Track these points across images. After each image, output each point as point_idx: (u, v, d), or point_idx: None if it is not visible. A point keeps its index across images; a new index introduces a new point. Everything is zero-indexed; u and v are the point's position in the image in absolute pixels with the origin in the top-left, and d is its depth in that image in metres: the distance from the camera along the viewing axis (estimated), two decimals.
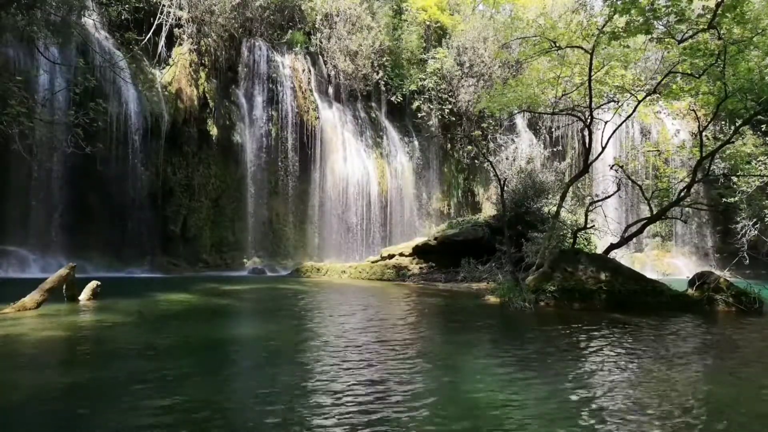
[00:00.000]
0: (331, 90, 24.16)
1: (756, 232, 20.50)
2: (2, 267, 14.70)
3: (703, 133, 12.73)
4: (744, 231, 20.74)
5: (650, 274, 12.18)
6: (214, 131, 20.14)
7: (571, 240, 13.28)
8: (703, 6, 10.53)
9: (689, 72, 11.61)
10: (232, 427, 3.38)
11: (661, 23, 11.07)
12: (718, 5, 9.77)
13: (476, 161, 26.08)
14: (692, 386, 4.54)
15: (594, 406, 3.92)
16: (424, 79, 25.69)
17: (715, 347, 6.58)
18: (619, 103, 13.79)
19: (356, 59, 23.68)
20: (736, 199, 19.31)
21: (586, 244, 15.28)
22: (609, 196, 14.20)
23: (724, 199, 19.39)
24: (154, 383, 4.26)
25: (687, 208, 15.17)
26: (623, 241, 12.48)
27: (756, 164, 17.55)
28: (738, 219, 21.14)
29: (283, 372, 4.73)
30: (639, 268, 16.47)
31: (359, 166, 23.52)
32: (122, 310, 8.16)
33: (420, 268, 16.88)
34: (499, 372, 4.90)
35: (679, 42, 10.94)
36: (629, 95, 13.26)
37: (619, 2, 10.23)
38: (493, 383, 4.48)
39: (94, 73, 15.88)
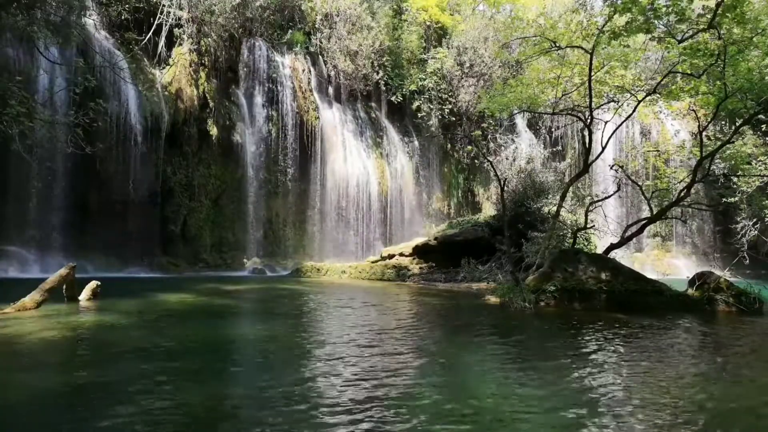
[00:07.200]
0: (331, 90, 24.15)
1: (756, 232, 20.51)
2: (2, 267, 14.69)
3: (703, 133, 12.73)
4: (744, 231, 20.75)
5: (650, 274, 12.18)
6: (214, 131, 20.15)
7: (571, 240, 13.28)
8: (703, 6, 10.52)
9: (689, 72, 11.60)
10: (233, 427, 3.38)
11: (661, 23, 11.07)
12: (718, 5, 9.77)
13: (476, 161, 26.08)
14: (693, 386, 4.54)
15: (595, 406, 3.91)
16: (424, 79, 25.67)
17: (715, 347, 6.58)
18: (619, 103, 13.78)
19: (356, 59, 23.68)
20: (736, 199, 19.32)
21: (586, 244, 15.28)
22: (609, 196, 14.22)
23: (724, 199, 19.40)
24: (155, 384, 4.25)
25: (687, 208, 15.17)
26: (623, 241, 12.48)
27: (756, 164, 17.56)
28: (738, 219, 21.16)
29: (283, 373, 4.73)
30: (639, 268, 16.45)
31: (359, 166, 23.52)
32: (122, 310, 8.15)
33: (420, 268, 16.88)
34: (499, 372, 4.91)
35: (679, 42, 10.94)
36: (629, 95, 13.26)
37: (619, 1, 10.23)
38: (493, 383, 4.48)
39: (94, 73, 15.89)
